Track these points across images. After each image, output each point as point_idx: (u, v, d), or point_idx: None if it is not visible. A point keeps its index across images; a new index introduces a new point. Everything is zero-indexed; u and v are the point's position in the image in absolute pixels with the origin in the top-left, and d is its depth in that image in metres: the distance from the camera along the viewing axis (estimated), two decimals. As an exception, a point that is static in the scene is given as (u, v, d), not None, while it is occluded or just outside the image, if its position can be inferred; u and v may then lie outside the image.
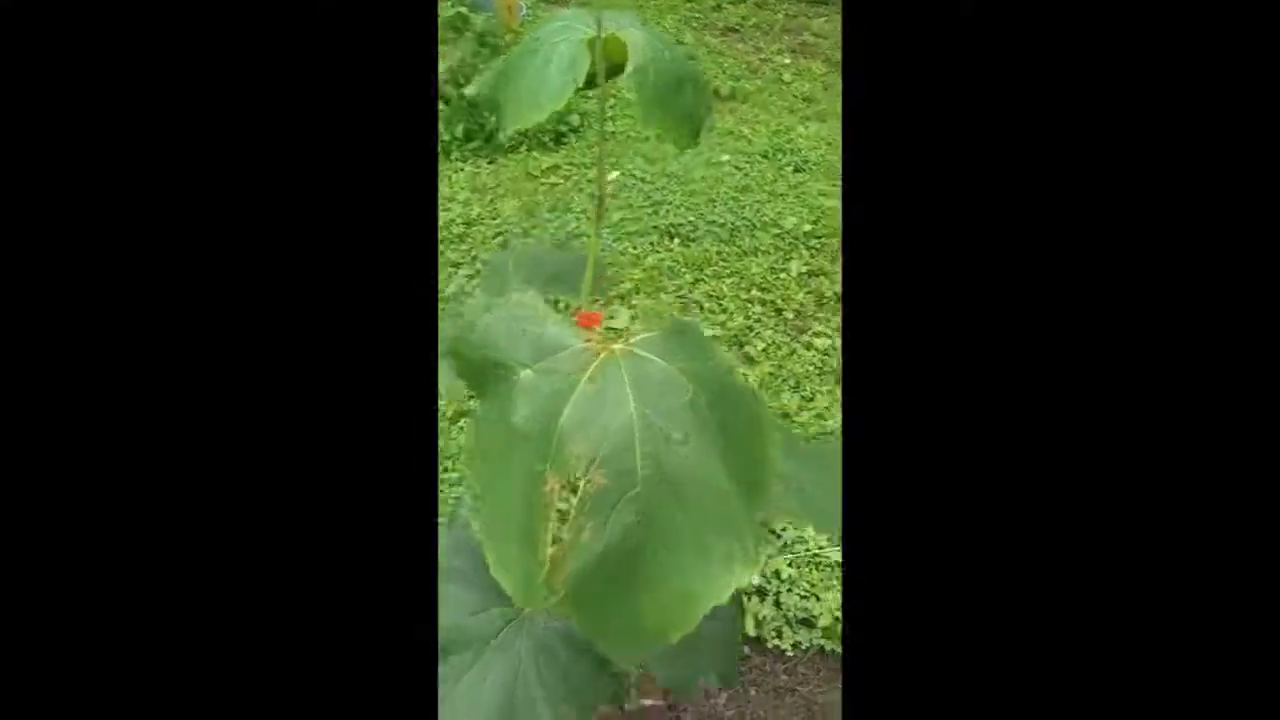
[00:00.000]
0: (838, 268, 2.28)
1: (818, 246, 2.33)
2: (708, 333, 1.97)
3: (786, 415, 1.81)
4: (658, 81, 0.49)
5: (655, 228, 2.24)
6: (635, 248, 2.16)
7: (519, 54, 0.49)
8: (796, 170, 2.56)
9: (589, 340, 0.44)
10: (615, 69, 0.53)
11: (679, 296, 2.02)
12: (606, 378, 0.42)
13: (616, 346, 0.44)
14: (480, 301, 0.44)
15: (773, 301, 2.11)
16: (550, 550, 0.39)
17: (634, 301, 2.01)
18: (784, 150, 2.64)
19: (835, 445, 0.61)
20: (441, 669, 0.57)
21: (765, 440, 0.45)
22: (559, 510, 0.40)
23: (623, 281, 1.99)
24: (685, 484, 0.41)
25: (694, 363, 0.44)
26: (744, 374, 0.44)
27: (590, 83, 0.50)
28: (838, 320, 2.16)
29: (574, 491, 0.40)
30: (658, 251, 2.15)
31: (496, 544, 0.41)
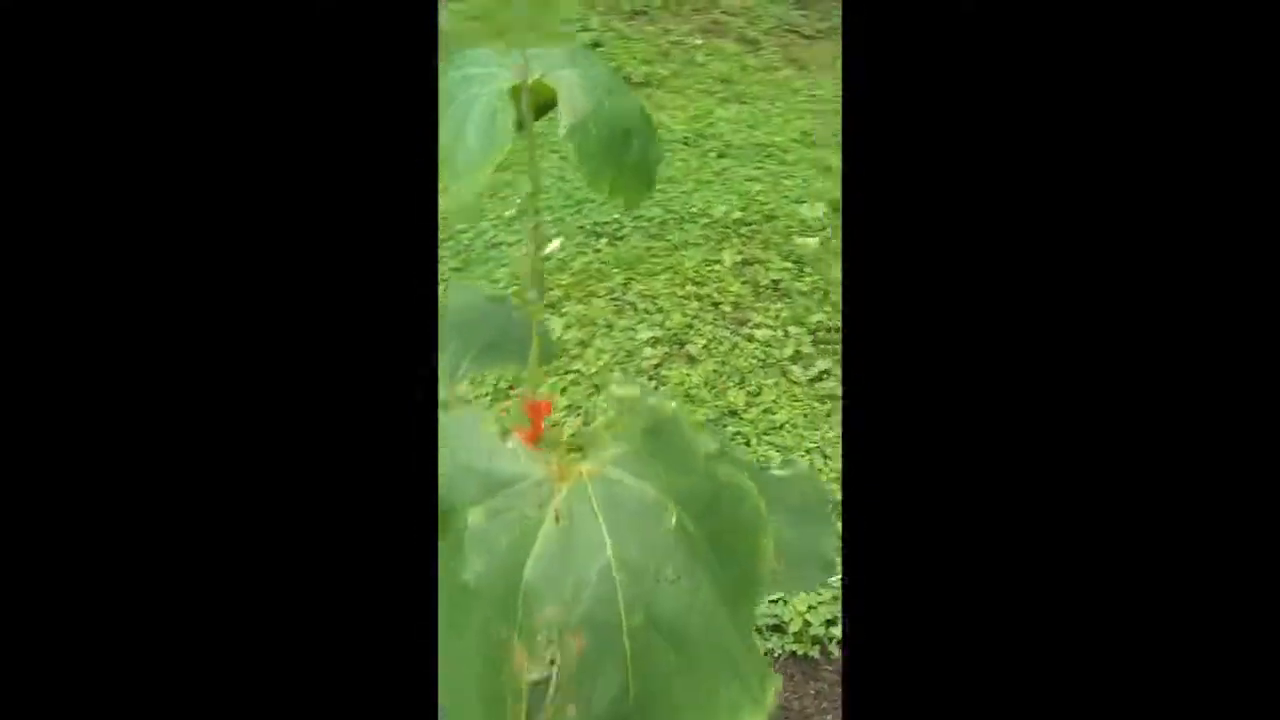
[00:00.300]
0: (770, 254, 2.25)
1: (749, 234, 2.30)
2: (645, 335, 1.92)
3: (734, 413, 1.77)
4: (600, 135, 0.42)
5: (580, 228, 2.16)
6: (561, 250, 2.08)
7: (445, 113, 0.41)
8: (720, 156, 2.51)
9: (549, 466, 0.37)
10: (544, 107, 0.46)
11: (612, 299, 1.95)
12: (574, 514, 0.35)
13: (584, 468, 0.37)
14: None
15: (709, 295, 2.06)
16: (530, 740, 0.33)
17: (564, 309, 1.93)
18: (705, 135, 2.59)
19: (808, 477, 0.56)
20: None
21: (759, 540, 0.39)
22: (531, 683, 0.33)
23: (551, 289, 1.91)
24: (679, 628, 0.35)
25: (675, 475, 0.38)
26: (729, 470, 0.38)
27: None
28: (776, 309, 2.13)
29: (548, 662, 0.33)
30: (584, 253, 2.08)
31: (456, 716, 0.34)
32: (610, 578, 0.34)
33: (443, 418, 0.37)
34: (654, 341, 1.90)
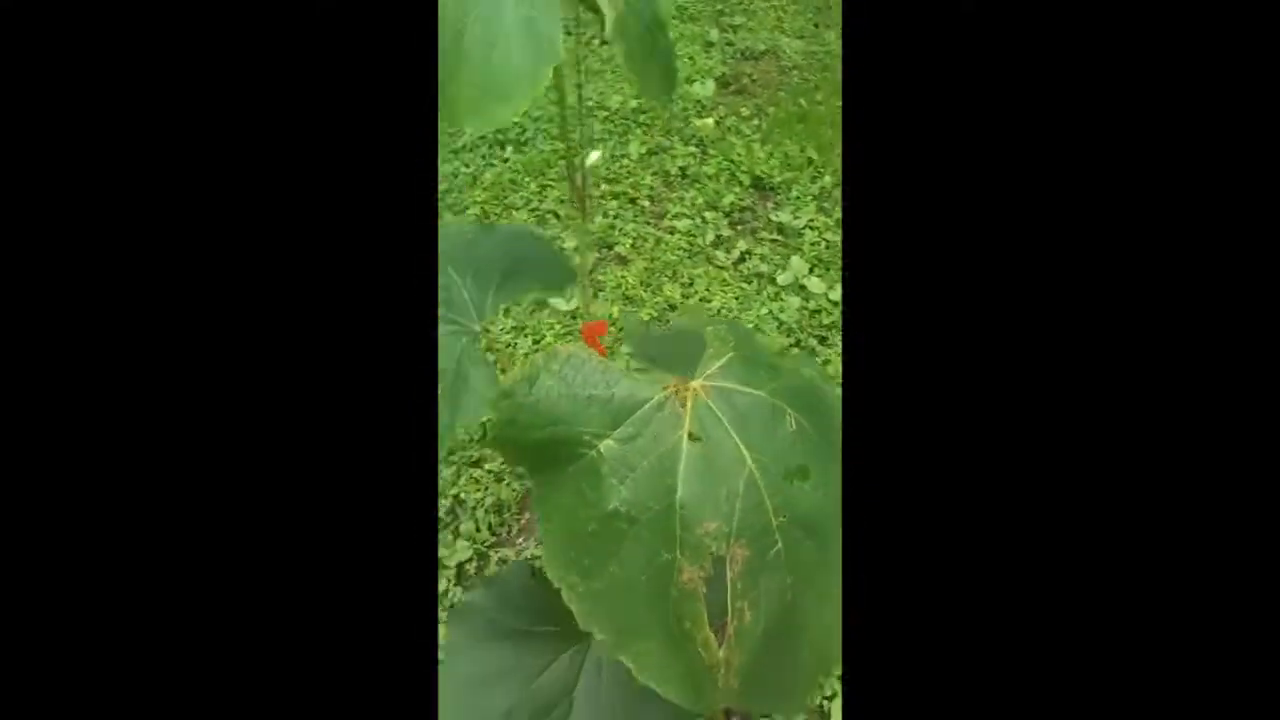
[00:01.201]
0: (673, 140, 2.22)
1: (648, 122, 2.25)
2: (571, 242, 1.87)
3: (673, 307, 1.79)
4: (636, 32, 0.39)
5: (482, 139, 2.05)
6: (468, 165, 1.98)
7: (453, 27, 0.37)
8: (604, 43, 2.41)
9: (664, 386, 0.36)
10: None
11: (531, 210, 1.89)
12: (707, 431, 0.35)
13: (696, 385, 0.37)
14: (521, 372, 0.35)
15: (624, 192, 2.03)
16: (721, 653, 0.34)
17: (483, 223, 1.85)
18: (584, 23, 2.46)
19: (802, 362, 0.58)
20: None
21: (833, 424, 0.40)
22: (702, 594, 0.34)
23: (466, 207, 1.82)
24: (815, 518, 0.36)
25: (775, 379, 0.38)
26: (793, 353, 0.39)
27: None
28: (690, 196, 2.12)
29: (713, 571, 0.34)
30: (493, 164, 1.98)
31: (633, 646, 0.34)
32: (756, 486, 0.35)
33: (559, 354, 0.35)
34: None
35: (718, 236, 2.04)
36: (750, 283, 1.94)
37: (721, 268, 1.92)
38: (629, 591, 0.34)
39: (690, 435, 0.35)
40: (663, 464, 0.34)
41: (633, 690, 0.55)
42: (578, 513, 0.35)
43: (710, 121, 2.32)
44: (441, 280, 0.55)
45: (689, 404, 0.36)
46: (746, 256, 2.01)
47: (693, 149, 2.22)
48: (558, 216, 1.89)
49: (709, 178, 2.18)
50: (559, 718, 0.52)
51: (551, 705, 0.52)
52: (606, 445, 0.35)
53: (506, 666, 0.52)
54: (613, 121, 2.17)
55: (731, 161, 2.28)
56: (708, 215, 2.06)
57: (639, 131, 2.18)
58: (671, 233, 1.96)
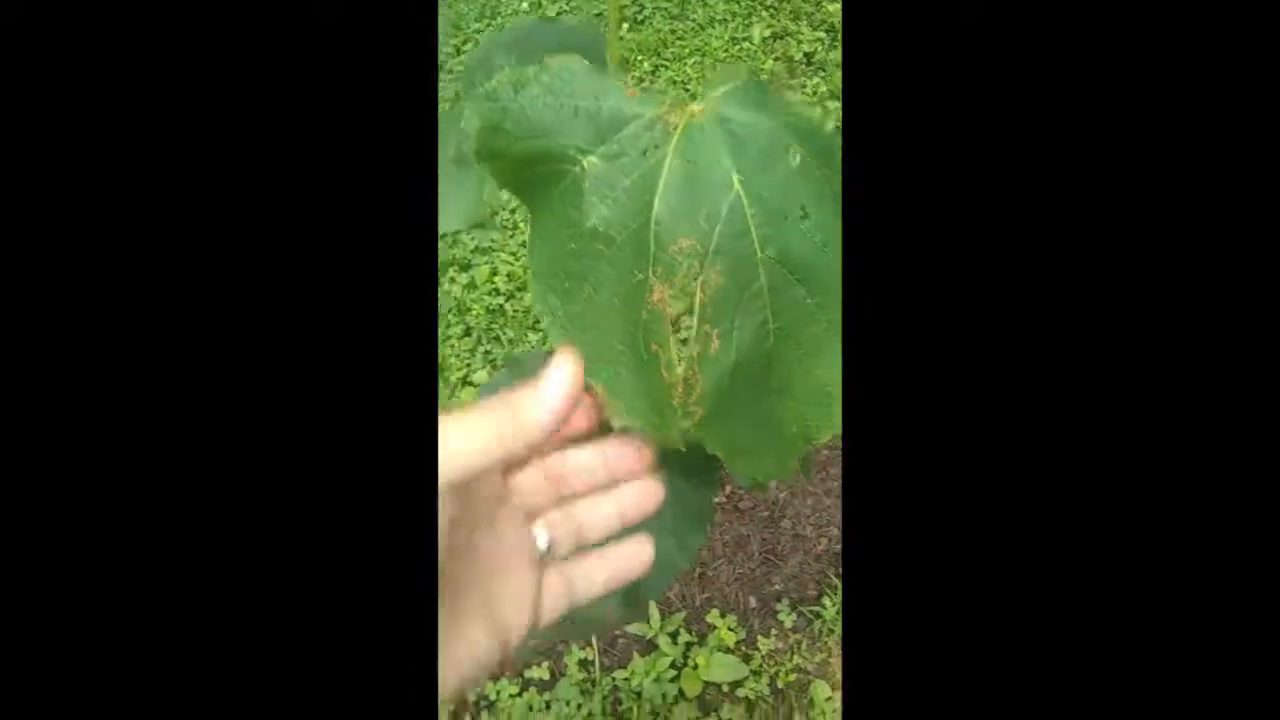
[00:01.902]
0: (801, 26, 2.09)
1: (776, 5, 2.12)
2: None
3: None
4: None
5: (598, 15, 2.01)
6: (582, 43, 1.95)
7: None
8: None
9: (661, 106, 0.34)
10: None
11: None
12: (697, 149, 0.33)
13: (695, 108, 0.34)
14: (507, 76, 0.34)
15: (742, 75, 1.93)
16: (679, 371, 0.32)
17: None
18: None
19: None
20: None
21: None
22: (672, 320, 0.33)
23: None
24: (812, 265, 0.34)
25: (788, 114, 0.35)
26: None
27: None
28: (814, 84, 2.00)
29: (687, 295, 0.32)
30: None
31: (605, 370, 0.34)
32: (741, 211, 0.33)
33: (549, 64, 0.34)
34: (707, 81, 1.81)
35: (837, 126, 1.91)
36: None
37: (839, 159, 1.82)
38: (602, 315, 0.33)
39: (676, 153, 0.33)
40: (645, 182, 0.33)
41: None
42: (560, 234, 0.34)
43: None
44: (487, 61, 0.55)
45: (682, 123, 0.34)
46: (869, 150, 1.89)
47: (821, 34, 2.08)
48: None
49: (836, 65, 2.04)
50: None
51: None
52: (590, 162, 0.33)
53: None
54: (736, 3, 2.06)
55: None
56: (830, 104, 1.95)
57: (765, 14, 2.07)
58: (789, 120, 1.86)
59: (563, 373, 0.32)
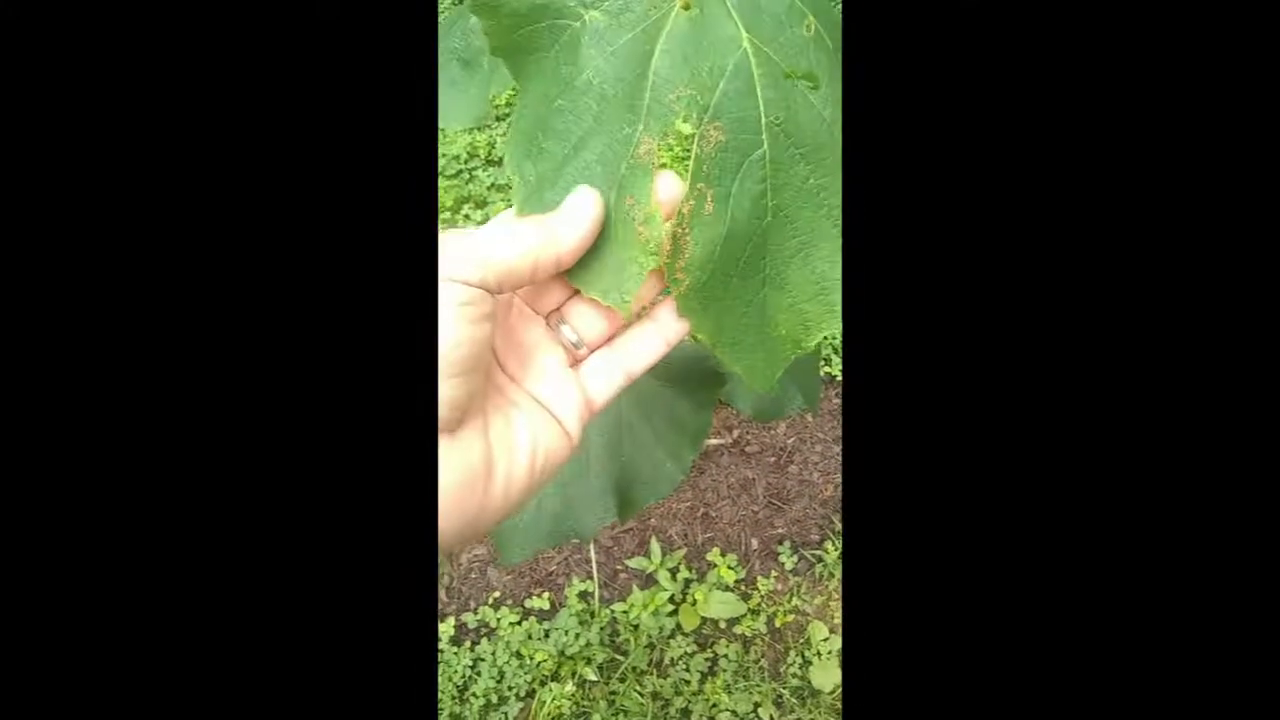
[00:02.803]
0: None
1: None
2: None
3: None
4: None
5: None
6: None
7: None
8: None
9: (669, -40, 0.32)
10: None
11: None
12: (707, 6, 0.31)
13: (705, -33, 0.33)
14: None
15: None
16: (668, 227, 0.31)
17: None
18: None
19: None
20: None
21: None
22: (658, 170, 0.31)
23: None
24: (819, 142, 0.32)
25: (809, -13, 0.33)
26: None
27: None
28: None
29: (683, 150, 0.31)
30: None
31: None
32: (749, 71, 0.31)
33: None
34: None
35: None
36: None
37: None
38: (575, 173, 0.32)
39: (684, 5, 0.31)
40: (647, 34, 0.31)
41: (642, 400, 0.55)
42: (550, 93, 0.32)
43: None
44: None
45: (690, -17, 0.32)
46: None
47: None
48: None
49: None
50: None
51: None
52: (592, 16, 0.32)
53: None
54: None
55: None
56: None
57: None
58: None
59: (585, 200, 0.31)
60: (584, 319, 0.34)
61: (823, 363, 1.43)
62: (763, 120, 0.31)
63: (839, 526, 1.30)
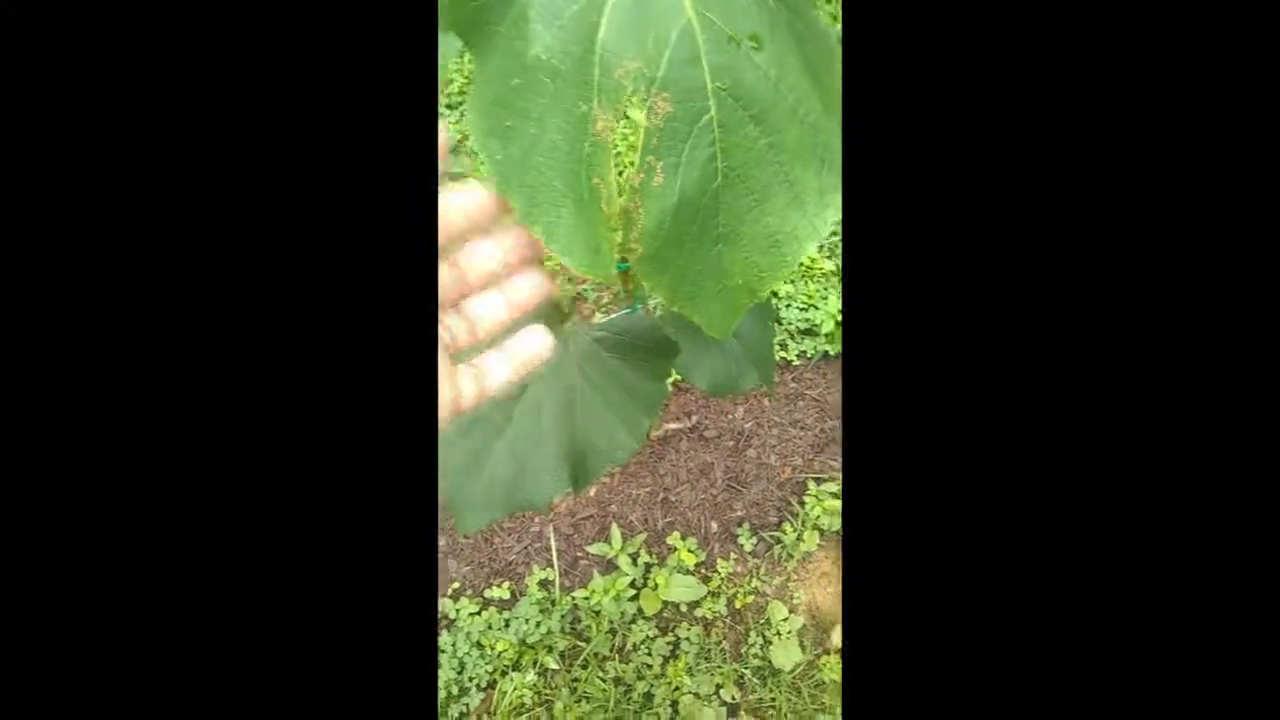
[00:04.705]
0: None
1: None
2: None
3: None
4: None
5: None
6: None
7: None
8: None
9: (612, -72, 0.32)
10: None
11: None
12: (647, -28, 0.31)
13: (647, -64, 0.33)
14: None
15: None
16: (620, 203, 0.31)
17: None
18: None
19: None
20: (486, 408, 0.52)
21: (834, 56, 0.35)
22: (616, 154, 0.31)
23: None
24: (766, 102, 0.33)
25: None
26: None
27: None
28: None
29: (631, 125, 0.31)
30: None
31: (544, 214, 0.33)
32: (693, 38, 0.31)
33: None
34: None
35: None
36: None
37: None
38: (546, 154, 0.32)
39: (625, -28, 0.31)
40: (592, 5, 0.31)
41: (595, 369, 0.55)
42: (505, 70, 0.32)
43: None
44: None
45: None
46: None
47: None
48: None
49: None
50: (518, 386, 0.53)
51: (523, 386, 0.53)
52: (534, -12, 0.32)
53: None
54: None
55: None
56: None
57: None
58: None
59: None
60: (459, 322, 0.35)
61: (778, 347, 1.45)
62: (709, 86, 0.32)
63: (796, 508, 1.32)
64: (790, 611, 1.25)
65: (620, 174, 0.32)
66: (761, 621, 1.24)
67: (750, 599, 1.26)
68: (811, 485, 1.33)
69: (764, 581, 1.27)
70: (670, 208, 0.32)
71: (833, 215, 0.35)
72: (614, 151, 0.31)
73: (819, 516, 1.30)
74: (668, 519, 1.32)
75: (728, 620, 1.24)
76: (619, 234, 0.32)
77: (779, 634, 1.23)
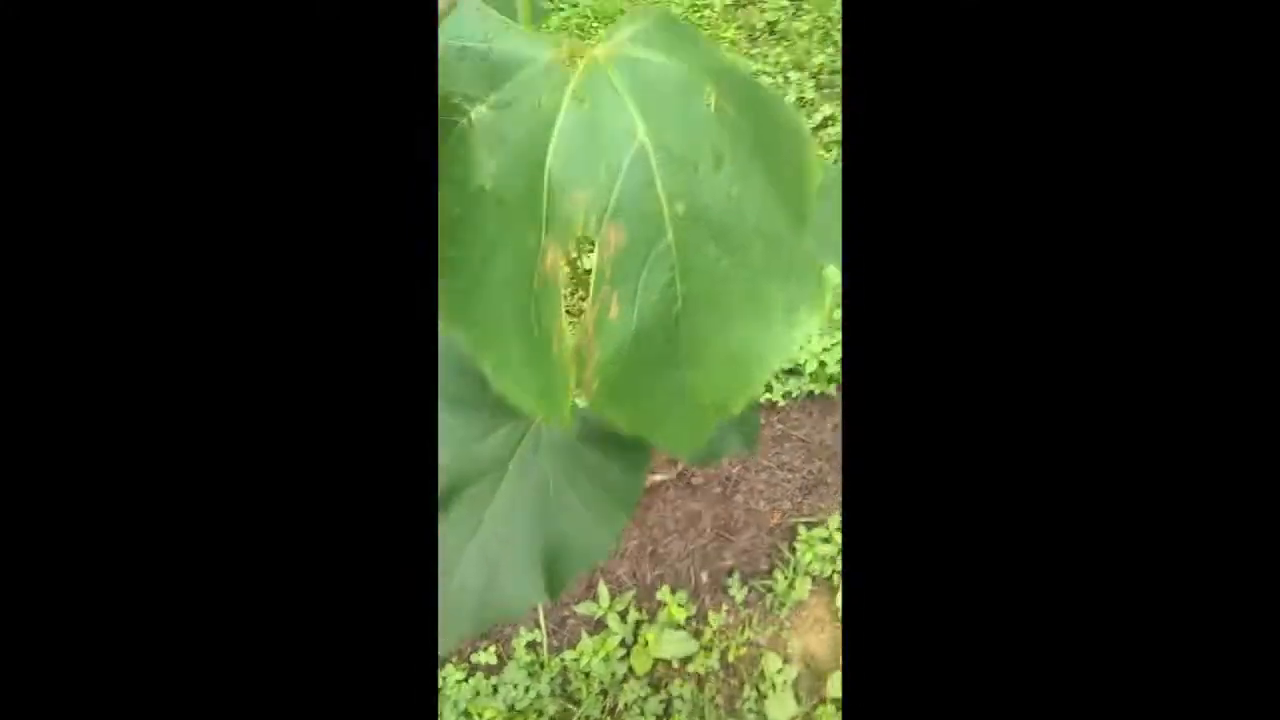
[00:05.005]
0: (764, -7, 2.05)
1: (738, -29, 2.08)
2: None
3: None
4: None
5: (554, -21, 1.94)
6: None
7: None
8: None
9: (559, 49, 0.31)
10: None
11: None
12: (596, 96, 0.30)
13: (598, 51, 0.31)
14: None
15: (701, 43, 1.89)
16: (572, 341, 0.30)
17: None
18: None
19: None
20: (455, 510, 0.50)
21: (805, 151, 0.33)
22: (568, 287, 0.30)
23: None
24: (727, 220, 0.31)
25: (704, 56, 0.32)
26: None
27: None
28: (775, 53, 1.97)
29: (582, 257, 0.30)
30: (560, 8, 1.88)
31: (493, 350, 0.31)
32: (646, 163, 0.30)
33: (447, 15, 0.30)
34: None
35: (800, 99, 1.90)
36: (830, 150, 1.81)
37: (798, 130, 1.79)
38: (492, 287, 0.30)
39: (576, 98, 0.30)
40: (537, 133, 0.30)
41: (568, 465, 0.53)
42: (447, 197, 0.30)
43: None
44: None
45: (582, 68, 0.30)
46: (829, 123, 1.87)
47: (785, 2, 2.04)
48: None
49: (800, 35, 2.01)
50: (489, 485, 0.51)
51: (483, 473, 0.50)
52: (479, 112, 0.30)
53: (447, 428, 0.50)
54: (698, -32, 2.01)
55: (829, 19, 2.09)
56: (792, 75, 1.92)
57: (725, -21, 2.02)
58: (748, 90, 1.83)
59: None
60: None
61: (764, 390, 1.44)
62: (665, 212, 0.30)
63: (787, 555, 1.30)
64: (784, 662, 1.22)
65: (569, 307, 0.30)
66: (756, 674, 1.21)
67: (743, 651, 1.23)
68: (802, 530, 1.31)
69: (757, 632, 1.24)
70: (628, 339, 0.30)
71: (801, 331, 0.33)
72: (563, 288, 0.29)
73: (810, 563, 1.28)
74: (656, 571, 1.29)
75: (721, 675, 1.21)
76: (572, 371, 0.30)
77: (774, 686, 1.20)
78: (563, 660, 1.21)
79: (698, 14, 1.97)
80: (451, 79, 0.30)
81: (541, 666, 1.20)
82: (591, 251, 0.29)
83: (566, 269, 0.29)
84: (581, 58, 0.31)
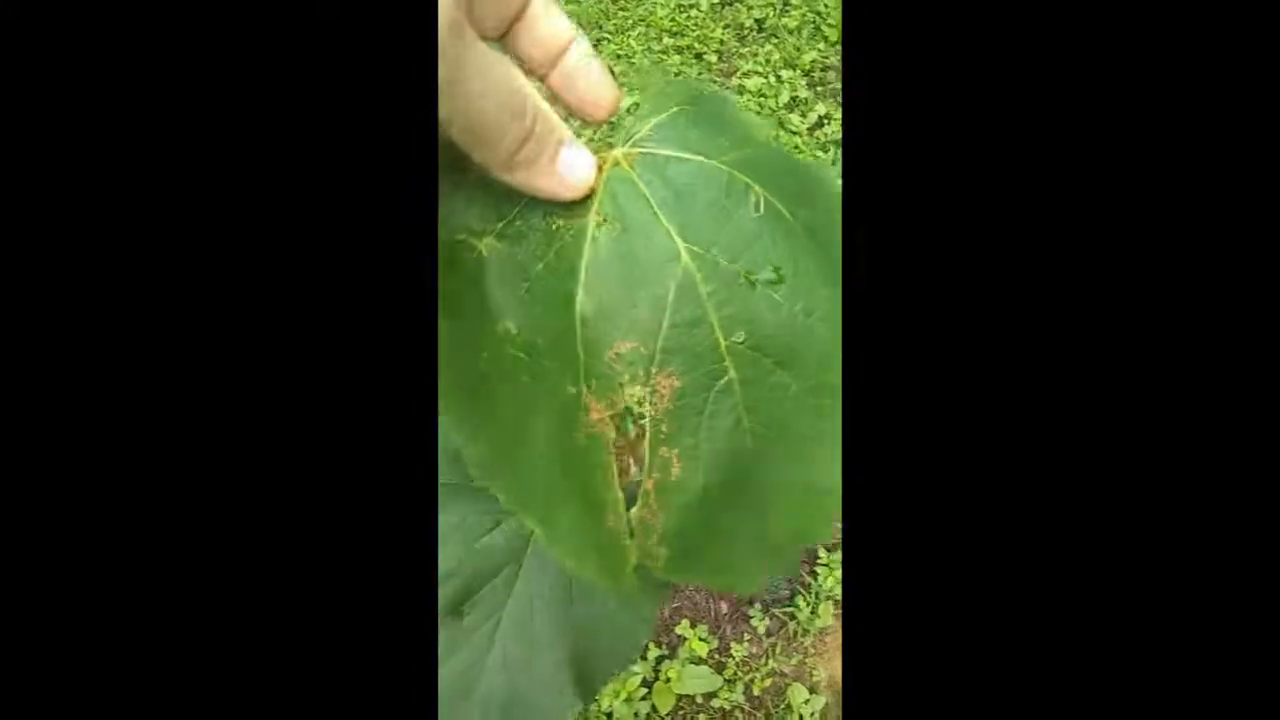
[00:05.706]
0: (750, -10, 1.99)
1: (723, -32, 2.02)
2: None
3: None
4: None
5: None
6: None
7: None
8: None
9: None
10: None
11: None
12: (625, 211, 0.25)
13: (618, 153, 0.26)
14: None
15: (690, 46, 1.85)
16: (636, 513, 0.25)
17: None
18: None
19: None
20: (470, 617, 0.46)
21: (837, 223, 0.29)
22: (617, 444, 0.25)
23: (516, 61, 1.69)
24: (794, 342, 0.26)
25: (740, 146, 0.27)
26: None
27: None
28: (764, 52, 1.92)
29: (633, 414, 0.25)
30: (546, 14, 1.82)
31: (539, 512, 0.26)
32: (694, 292, 0.25)
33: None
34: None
35: (793, 98, 1.85)
36: (826, 151, 1.77)
37: (795, 132, 1.75)
38: (532, 445, 0.25)
39: (599, 219, 0.25)
40: (562, 265, 0.25)
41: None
42: (466, 346, 0.26)
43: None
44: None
45: (603, 178, 0.26)
46: (825, 121, 1.82)
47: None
48: (614, 74, 1.74)
49: (789, 31, 1.96)
50: (505, 582, 0.46)
51: (497, 568, 0.46)
52: (488, 244, 0.25)
53: (451, 523, 0.45)
54: (682, -33, 1.96)
55: (818, 14, 2.05)
56: (784, 74, 1.87)
57: (711, -22, 1.97)
58: (741, 92, 1.78)
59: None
60: None
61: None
62: (722, 345, 0.25)
63: (808, 579, 1.26)
64: (811, 692, 1.18)
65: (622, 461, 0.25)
66: (782, 706, 1.17)
67: (769, 682, 1.19)
68: (823, 553, 1.27)
69: (781, 662, 1.20)
70: (695, 498, 0.26)
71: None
72: (610, 445, 0.25)
73: (832, 587, 1.24)
74: (675, 604, 1.25)
75: (746, 709, 1.18)
76: (633, 541, 0.25)
77: (801, 718, 1.16)
78: (583, 704, 1.17)
79: (684, 14, 1.92)
80: (453, 210, 0.25)
81: (561, 711, 1.16)
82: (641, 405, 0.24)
83: (613, 430, 0.24)
84: (599, 159, 0.26)
